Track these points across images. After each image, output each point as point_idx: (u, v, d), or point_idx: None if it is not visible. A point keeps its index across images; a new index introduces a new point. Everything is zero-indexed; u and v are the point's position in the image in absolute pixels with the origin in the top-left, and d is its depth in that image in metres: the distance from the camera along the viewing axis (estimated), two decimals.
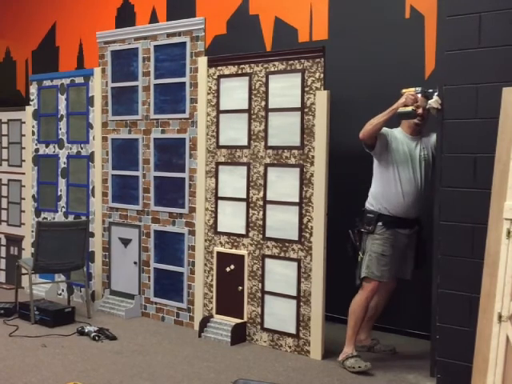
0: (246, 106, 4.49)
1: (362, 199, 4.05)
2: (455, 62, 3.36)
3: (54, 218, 5.80)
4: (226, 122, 4.61)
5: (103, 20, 6.42)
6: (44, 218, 5.86)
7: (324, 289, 4.11)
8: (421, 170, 3.92)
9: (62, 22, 6.94)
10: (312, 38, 5.03)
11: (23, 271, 5.21)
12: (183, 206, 4.85)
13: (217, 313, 4.63)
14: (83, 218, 5.44)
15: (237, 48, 4.99)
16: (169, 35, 4.92)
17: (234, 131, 4.56)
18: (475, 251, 3.20)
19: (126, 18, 6.30)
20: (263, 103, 4.40)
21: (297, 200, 4.23)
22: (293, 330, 4.25)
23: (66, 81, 5.71)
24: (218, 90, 4.64)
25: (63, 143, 5.74)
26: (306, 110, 4.19)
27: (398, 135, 3.97)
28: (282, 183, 4.32)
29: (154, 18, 6.05)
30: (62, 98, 5.74)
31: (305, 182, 4.20)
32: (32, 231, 5.84)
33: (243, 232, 4.51)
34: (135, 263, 5.17)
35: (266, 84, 4.38)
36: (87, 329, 4.54)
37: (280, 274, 4.32)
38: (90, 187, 5.52)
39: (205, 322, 4.58)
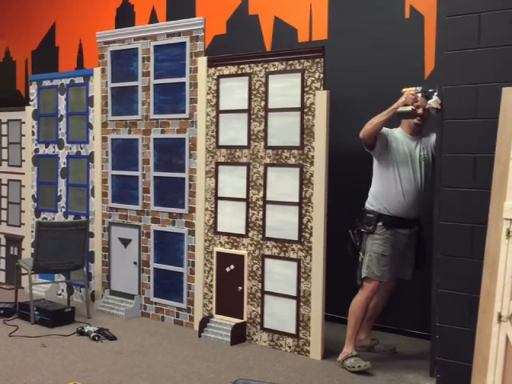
0: (245, 106, 4.48)
1: (361, 199, 4.05)
2: (455, 61, 3.36)
3: (53, 218, 5.80)
4: (226, 122, 4.61)
5: (103, 20, 6.42)
6: (44, 218, 5.86)
7: (324, 289, 4.11)
8: (421, 169, 3.92)
9: (62, 22, 6.94)
10: (312, 38, 5.03)
11: (23, 271, 5.20)
12: (183, 206, 4.85)
13: (217, 313, 4.63)
14: (83, 218, 5.44)
15: (236, 48, 4.99)
16: (168, 35, 4.91)
17: (234, 131, 4.56)
18: (475, 251, 3.20)
19: (125, 18, 6.30)
20: (263, 103, 4.40)
21: (297, 200, 4.23)
22: (293, 330, 4.25)
23: (66, 81, 5.71)
24: (217, 90, 4.64)
25: (63, 143, 5.74)
26: (305, 110, 4.19)
27: (398, 135, 3.97)
28: (282, 183, 4.32)
29: (153, 18, 6.05)
30: (61, 98, 5.74)
31: (305, 182, 4.20)
32: (32, 231, 5.84)
33: (243, 232, 4.51)
34: (135, 263, 5.17)
35: (266, 84, 4.38)
36: (87, 329, 4.54)
37: (280, 274, 4.32)
38: (90, 187, 5.52)
39: (205, 322, 4.58)
